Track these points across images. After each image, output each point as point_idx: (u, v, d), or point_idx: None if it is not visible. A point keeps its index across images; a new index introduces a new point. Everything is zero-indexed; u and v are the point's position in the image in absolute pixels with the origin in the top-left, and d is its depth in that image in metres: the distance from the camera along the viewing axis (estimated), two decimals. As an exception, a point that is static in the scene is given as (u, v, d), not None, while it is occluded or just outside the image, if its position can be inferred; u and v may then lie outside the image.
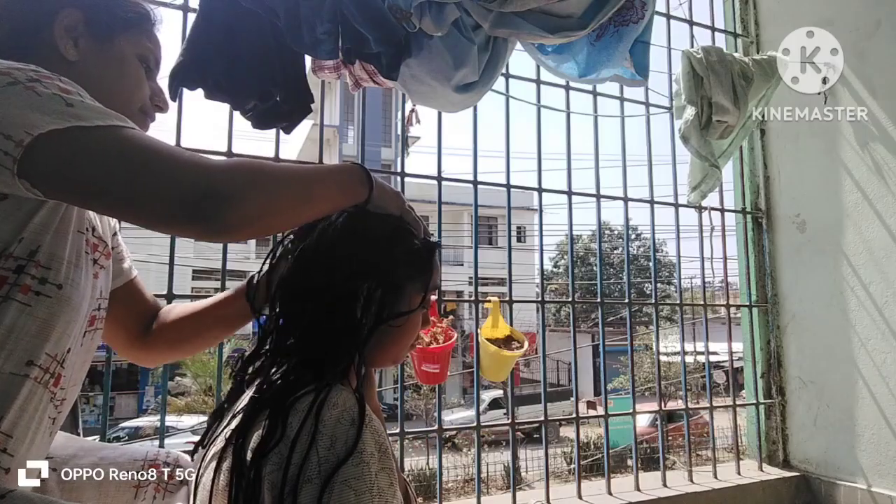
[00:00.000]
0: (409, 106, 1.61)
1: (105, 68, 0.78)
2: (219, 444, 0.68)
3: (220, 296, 0.94)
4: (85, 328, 0.75)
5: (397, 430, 1.54)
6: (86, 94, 0.65)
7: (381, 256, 0.75)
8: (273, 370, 0.72)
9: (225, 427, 0.70)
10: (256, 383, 0.72)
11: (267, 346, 0.75)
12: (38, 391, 0.67)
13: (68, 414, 0.77)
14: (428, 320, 0.84)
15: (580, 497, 1.77)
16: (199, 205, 0.59)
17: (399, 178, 1.65)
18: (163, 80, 0.91)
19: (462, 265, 17.12)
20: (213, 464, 0.67)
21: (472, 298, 1.68)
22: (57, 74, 0.65)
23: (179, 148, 0.65)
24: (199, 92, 1.20)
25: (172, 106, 1.28)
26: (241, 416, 0.68)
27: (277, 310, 0.76)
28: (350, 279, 0.73)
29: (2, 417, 0.63)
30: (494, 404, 14.08)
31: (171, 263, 1.38)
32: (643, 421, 8.77)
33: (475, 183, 1.72)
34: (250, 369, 0.75)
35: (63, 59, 0.75)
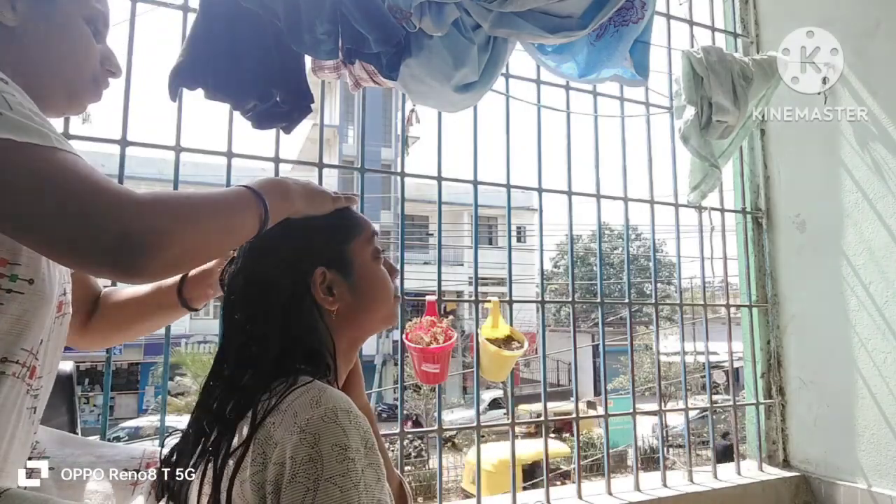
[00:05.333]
0: (409, 106, 1.61)
1: (48, 34, 0.73)
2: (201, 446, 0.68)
3: (160, 283, 0.94)
4: (54, 315, 0.73)
5: (397, 430, 1.54)
6: (17, 98, 0.60)
7: (306, 237, 0.76)
8: (246, 372, 0.71)
9: (206, 430, 0.69)
10: (228, 386, 0.71)
11: (238, 349, 0.73)
12: (16, 385, 0.66)
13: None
14: (393, 270, 0.84)
15: (580, 497, 1.77)
16: (117, 252, 0.57)
17: (399, 178, 1.65)
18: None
19: (462, 265, 17.11)
20: (200, 467, 0.67)
21: (472, 298, 1.68)
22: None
23: (103, 181, 0.59)
24: (199, 92, 1.20)
25: (172, 106, 1.29)
26: (219, 418, 0.68)
27: (239, 315, 0.74)
28: (295, 275, 0.74)
29: None
30: (494, 404, 14.10)
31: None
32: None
33: (475, 183, 1.72)
34: (225, 372, 0.74)
35: (0, 26, 0.69)
